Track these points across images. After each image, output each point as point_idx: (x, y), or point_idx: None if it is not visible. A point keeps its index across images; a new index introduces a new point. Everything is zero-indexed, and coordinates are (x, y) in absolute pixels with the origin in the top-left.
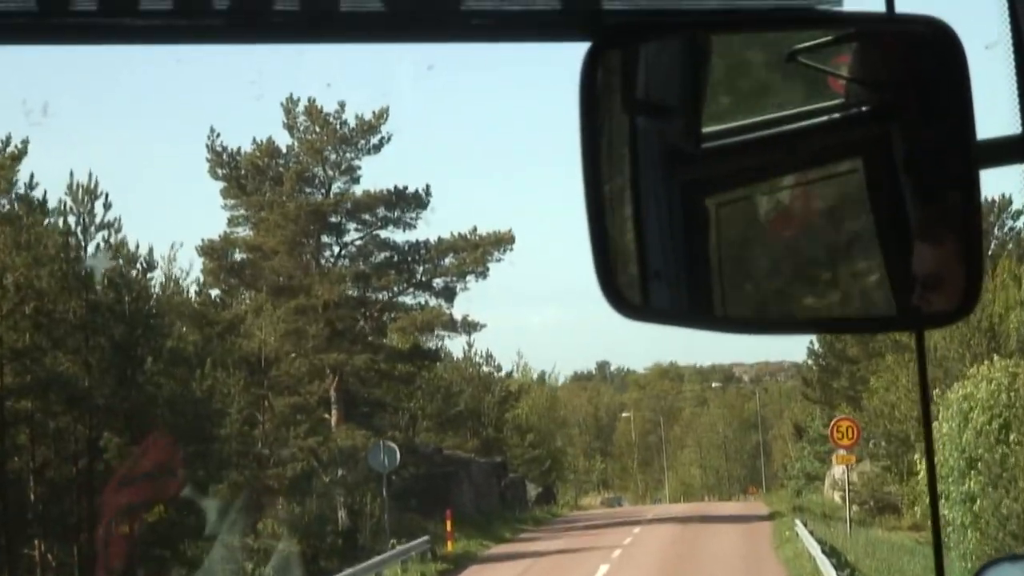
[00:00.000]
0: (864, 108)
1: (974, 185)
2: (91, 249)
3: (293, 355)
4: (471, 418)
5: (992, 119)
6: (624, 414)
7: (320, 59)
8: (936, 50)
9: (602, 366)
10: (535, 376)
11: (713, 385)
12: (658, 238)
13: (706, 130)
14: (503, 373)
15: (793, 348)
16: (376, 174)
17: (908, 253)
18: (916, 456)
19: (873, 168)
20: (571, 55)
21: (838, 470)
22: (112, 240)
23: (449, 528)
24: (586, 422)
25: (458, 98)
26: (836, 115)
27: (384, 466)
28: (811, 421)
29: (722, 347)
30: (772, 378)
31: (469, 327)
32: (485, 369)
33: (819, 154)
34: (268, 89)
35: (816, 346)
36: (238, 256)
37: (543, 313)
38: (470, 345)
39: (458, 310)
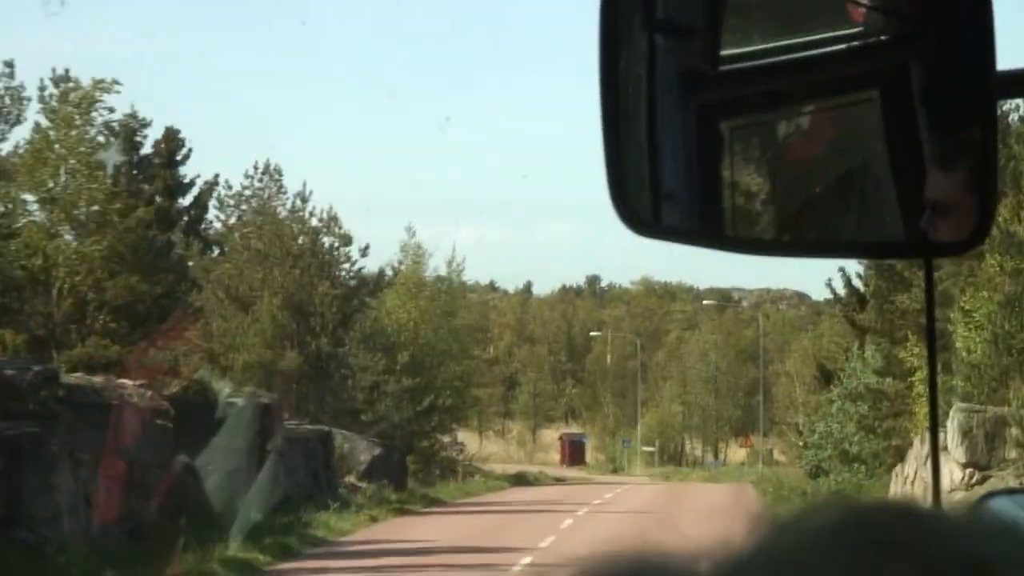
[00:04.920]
0: (883, 37)
1: (992, 116)
2: None
3: None
4: (297, 317)
5: (1013, 50)
6: (593, 333)
7: None
8: None
9: (592, 280)
10: (434, 265)
11: (705, 303)
12: (671, 159)
13: (724, 53)
14: (351, 248)
15: (797, 275)
16: None
17: (922, 183)
18: None
19: (890, 98)
20: None
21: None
22: None
23: None
24: (557, 340)
25: None
26: (855, 43)
27: None
28: (846, 362)
29: (722, 271)
30: (774, 306)
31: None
32: (327, 240)
33: (836, 82)
34: None
35: None
36: None
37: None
38: (304, 199)
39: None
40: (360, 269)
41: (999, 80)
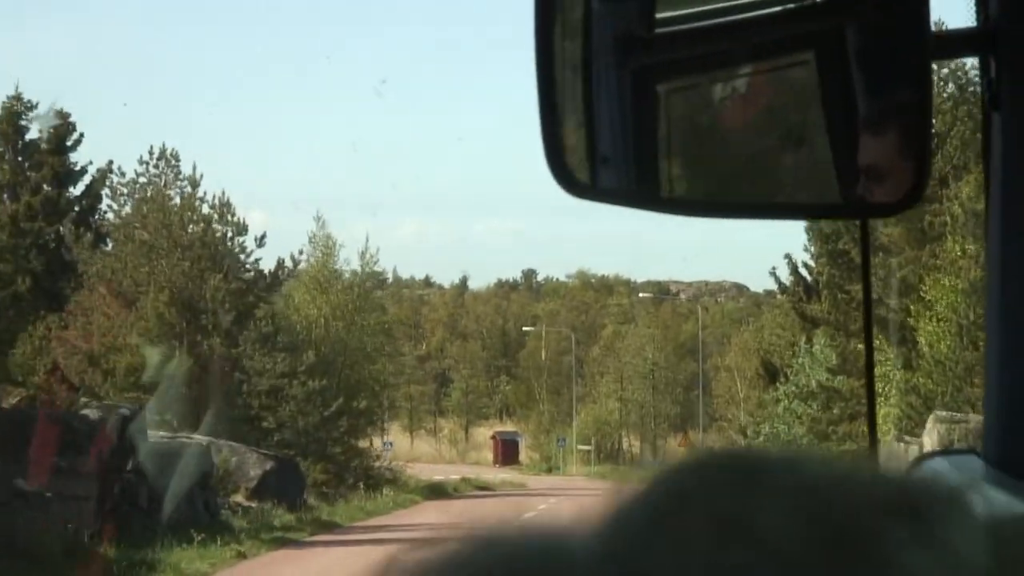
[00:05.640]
0: (819, 0)
1: (927, 78)
2: None
3: None
4: (186, 314)
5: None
6: (526, 328)
7: None
8: None
9: (528, 274)
10: (344, 257)
11: (642, 295)
12: (607, 122)
13: (660, 15)
14: (248, 238)
15: (735, 267)
16: None
17: (857, 144)
18: None
19: (825, 60)
20: None
21: None
22: None
23: None
24: (491, 335)
25: None
26: (790, 5)
27: None
28: (793, 357)
29: (659, 263)
30: (712, 298)
31: None
32: (220, 229)
33: (772, 45)
34: None
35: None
36: None
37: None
38: (193, 184)
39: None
40: (257, 260)
41: (934, 41)
